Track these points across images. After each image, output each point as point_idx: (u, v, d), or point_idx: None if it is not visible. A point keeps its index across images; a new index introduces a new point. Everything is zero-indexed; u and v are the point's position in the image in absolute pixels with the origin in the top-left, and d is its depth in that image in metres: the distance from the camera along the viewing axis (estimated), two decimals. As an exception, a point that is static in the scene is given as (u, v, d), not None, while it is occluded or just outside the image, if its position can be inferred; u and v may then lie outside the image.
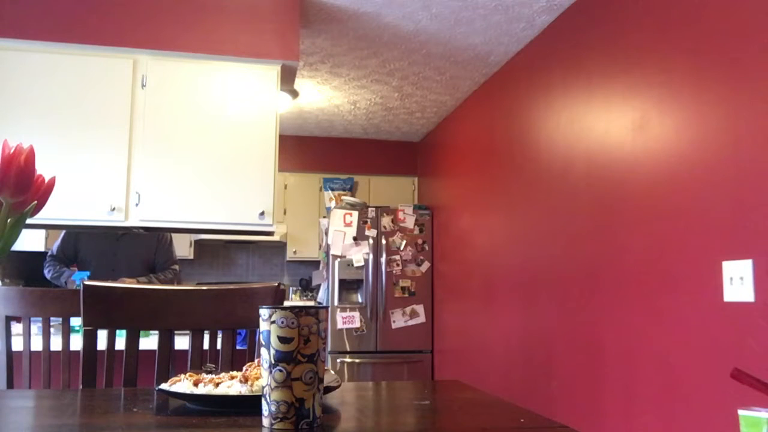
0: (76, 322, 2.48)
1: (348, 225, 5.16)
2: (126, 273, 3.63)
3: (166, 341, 1.50)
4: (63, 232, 3.74)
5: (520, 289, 3.65)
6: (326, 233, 5.25)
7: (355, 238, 5.15)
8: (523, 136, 3.68)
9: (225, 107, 3.15)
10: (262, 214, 3.12)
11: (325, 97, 4.74)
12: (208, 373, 1.08)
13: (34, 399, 1.21)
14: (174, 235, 4.05)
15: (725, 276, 2.04)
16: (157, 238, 3.81)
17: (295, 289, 6.12)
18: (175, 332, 1.57)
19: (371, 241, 5.17)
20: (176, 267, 3.92)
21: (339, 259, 5.13)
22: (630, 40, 2.65)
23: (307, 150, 5.93)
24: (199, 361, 1.52)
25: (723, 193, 2.08)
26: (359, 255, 5.14)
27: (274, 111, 3.20)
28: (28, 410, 1.07)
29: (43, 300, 1.99)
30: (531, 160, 3.56)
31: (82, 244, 3.68)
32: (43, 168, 0.88)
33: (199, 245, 6.00)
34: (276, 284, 1.56)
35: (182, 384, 1.00)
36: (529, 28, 3.47)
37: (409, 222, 5.28)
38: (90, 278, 3.40)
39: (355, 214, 5.19)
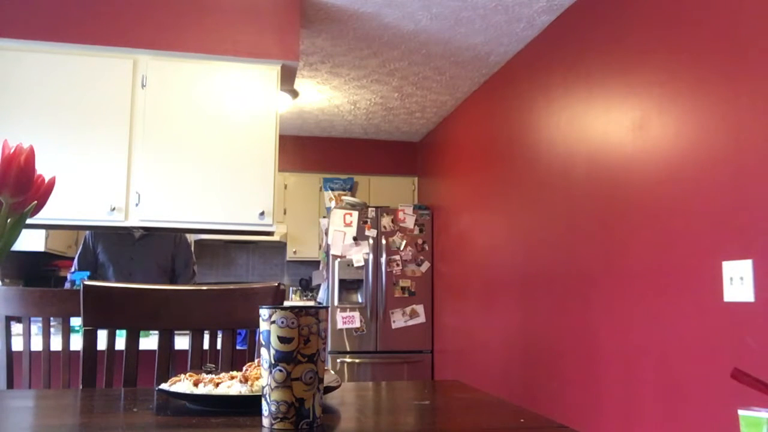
0: (76, 322, 2.48)
1: (348, 225, 5.16)
2: (142, 278, 3.64)
3: (166, 341, 1.50)
4: (83, 239, 3.74)
5: (520, 289, 3.65)
6: (326, 233, 5.24)
7: (355, 238, 5.15)
8: (524, 136, 3.68)
9: (225, 107, 3.15)
10: (262, 214, 3.12)
11: (325, 97, 4.74)
12: (208, 373, 1.08)
13: (34, 399, 1.21)
14: (174, 235, 4.05)
15: (725, 276, 2.04)
16: (174, 241, 3.81)
17: (295, 289, 6.12)
18: (175, 332, 1.57)
19: (371, 241, 5.17)
20: (195, 267, 3.95)
21: (339, 259, 5.13)
22: (630, 40, 2.65)
23: (307, 150, 5.93)
24: (199, 361, 1.52)
25: (723, 193, 2.08)
26: (359, 255, 5.14)
27: (274, 111, 3.20)
28: (28, 410, 1.07)
29: (43, 300, 1.99)
30: (531, 160, 3.56)
31: (101, 250, 3.69)
32: (43, 168, 0.88)
33: (199, 245, 6.00)
34: (276, 284, 1.56)
35: (182, 384, 1.00)
36: (529, 28, 3.47)
37: (409, 222, 5.28)
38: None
39: (355, 214, 5.19)
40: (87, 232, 3.70)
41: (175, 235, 3.80)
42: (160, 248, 3.78)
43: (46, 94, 3.00)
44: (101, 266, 3.68)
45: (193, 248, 5.85)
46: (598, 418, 2.76)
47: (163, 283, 3.74)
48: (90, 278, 3.64)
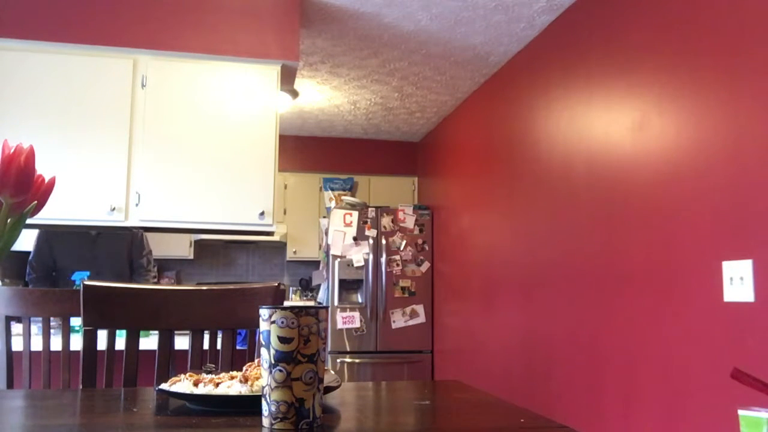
0: (76, 322, 2.48)
1: (348, 225, 5.16)
2: (109, 274, 3.61)
3: (166, 341, 1.50)
4: (35, 242, 3.67)
5: (520, 289, 3.65)
6: (326, 233, 5.24)
7: (355, 238, 5.15)
8: (524, 136, 3.68)
9: (225, 107, 3.15)
10: (262, 214, 3.12)
11: (325, 97, 4.74)
12: (208, 373, 1.08)
13: (34, 399, 1.21)
14: (174, 235, 4.06)
15: (725, 276, 2.04)
16: (130, 234, 3.78)
17: (295, 289, 6.12)
18: (175, 332, 1.57)
19: (371, 241, 5.17)
20: (151, 257, 3.91)
21: (339, 259, 5.13)
22: (630, 40, 2.65)
23: (307, 150, 5.93)
24: (199, 361, 1.52)
25: (723, 193, 2.08)
26: (359, 255, 5.14)
27: (274, 111, 3.20)
28: (28, 410, 1.07)
29: (43, 300, 1.99)
30: (531, 160, 3.56)
31: (58, 250, 3.60)
32: (43, 168, 0.88)
33: (199, 245, 6.00)
34: (276, 284, 1.56)
35: (182, 384, 1.00)
36: (529, 28, 3.47)
37: (409, 222, 5.28)
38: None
39: (355, 214, 5.19)
40: (38, 234, 3.63)
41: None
42: (118, 243, 3.74)
43: (46, 94, 2.99)
44: (60, 268, 3.61)
45: (193, 248, 5.89)
46: (598, 418, 2.76)
47: (125, 278, 3.70)
48: (47, 280, 3.60)
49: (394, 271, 5.19)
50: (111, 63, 3.06)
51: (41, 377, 1.99)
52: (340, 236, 5.15)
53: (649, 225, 2.46)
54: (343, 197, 5.43)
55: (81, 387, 1.41)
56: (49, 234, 3.60)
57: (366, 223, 5.19)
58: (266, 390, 0.84)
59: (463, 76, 4.26)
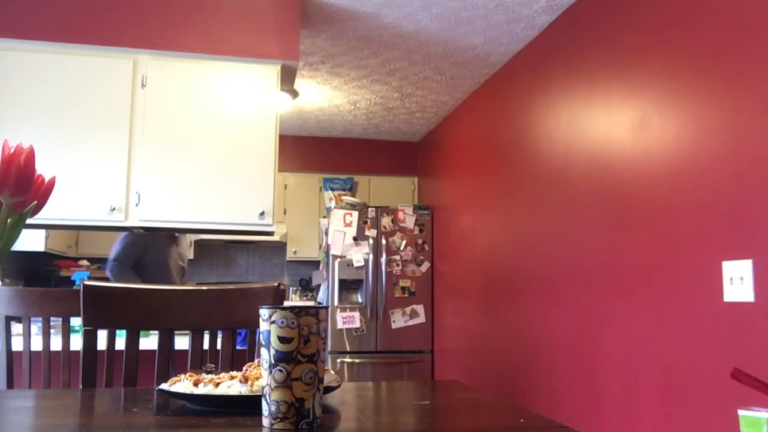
0: (76, 322, 2.48)
1: (348, 225, 5.16)
2: (179, 275, 3.94)
3: (166, 341, 1.50)
4: (126, 238, 3.80)
5: (520, 288, 3.65)
6: (326, 233, 5.24)
7: (355, 238, 5.15)
8: (524, 136, 3.68)
9: (225, 107, 3.15)
10: (262, 214, 3.12)
11: (325, 97, 4.74)
12: (208, 373, 1.08)
13: (34, 399, 1.21)
14: (173, 235, 4.19)
15: (725, 276, 2.04)
16: (186, 240, 4.16)
17: (295, 289, 6.12)
18: (175, 332, 1.57)
19: (371, 241, 5.17)
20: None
21: (339, 259, 5.13)
22: (630, 40, 2.65)
23: (307, 150, 5.93)
24: (199, 361, 1.52)
25: (723, 193, 2.08)
26: (359, 255, 5.14)
27: (274, 111, 3.20)
28: (28, 410, 1.07)
29: (43, 300, 1.99)
30: (531, 160, 3.56)
31: (151, 248, 3.82)
32: (43, 168, 0.88)
33: (199, 245, 6.00)
34: (276, 284, 1.56)
35: (182, 384, 1.00)
36: (529, 28, 3.47)
37: (409, 222, 5.28)
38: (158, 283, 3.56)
39: (355, 214, 5.19)
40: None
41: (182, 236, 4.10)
42: (184, 247, 4.09)
43: (46, 94, 2.99)
44: (145, 265, 3.76)
45: (193, 248, 5.91)
46: (598, 418, 2.76)
47: (183, 279, 4.03)
48: (128, 270, 3.75)
49: (394, 271, 5.19)
50: (111, 63, 3.06)
51: (41, 377, 1.99)
52: (340, 236, 5.15)
53: (649, 224, 2.46)
54: (343, 197, 5.43)
55: (81, 387, 1.41)
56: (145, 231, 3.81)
57: (366, 223, 5.19)
58: (266, 390, 0.84)
59: (463, 76, 4.26)
